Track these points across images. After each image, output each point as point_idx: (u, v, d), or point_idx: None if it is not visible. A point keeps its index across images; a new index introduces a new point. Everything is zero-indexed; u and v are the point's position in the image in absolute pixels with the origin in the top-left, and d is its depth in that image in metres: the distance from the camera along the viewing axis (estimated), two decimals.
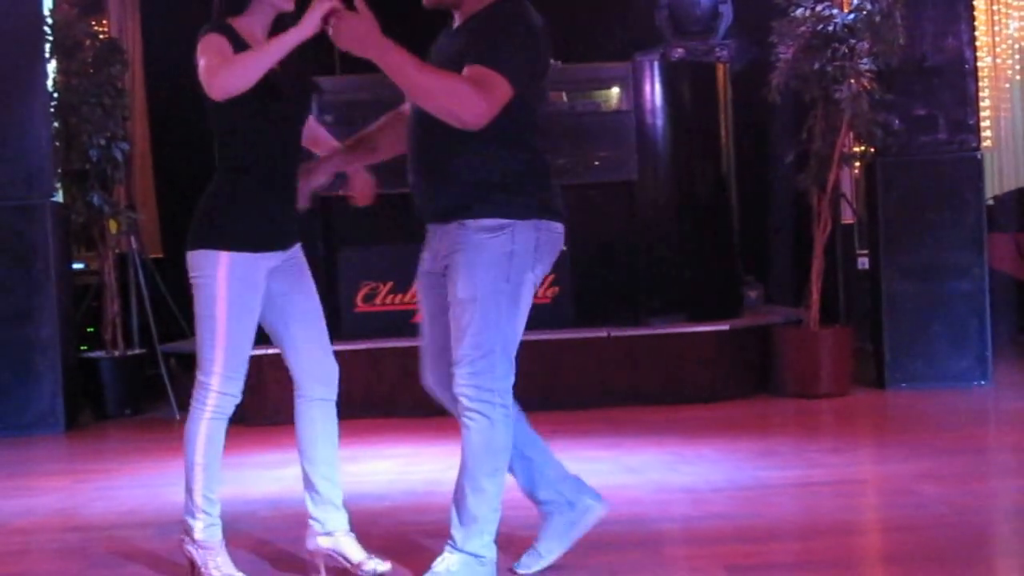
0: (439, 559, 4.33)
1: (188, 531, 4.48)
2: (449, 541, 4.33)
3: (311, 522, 4.56)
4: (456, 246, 4.24)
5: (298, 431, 4.62)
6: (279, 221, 4.45)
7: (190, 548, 4.47)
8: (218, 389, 4.45)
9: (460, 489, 4.30)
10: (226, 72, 4.11)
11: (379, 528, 5.26)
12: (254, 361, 8.38)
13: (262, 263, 4.39)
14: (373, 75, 4.16)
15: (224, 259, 4.34)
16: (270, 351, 8.26)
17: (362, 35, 4.00)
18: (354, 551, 4.51)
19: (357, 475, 6.49)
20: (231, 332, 4.41)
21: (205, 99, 4.26)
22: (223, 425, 4.51)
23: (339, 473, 4.58)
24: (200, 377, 4.48)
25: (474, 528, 4.28)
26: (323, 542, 4.55)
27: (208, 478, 4.49)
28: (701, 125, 8.73)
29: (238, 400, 4.52)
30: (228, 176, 4.40)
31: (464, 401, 4.23)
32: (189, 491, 4.50)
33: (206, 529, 4.46)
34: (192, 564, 4.46)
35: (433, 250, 4.39)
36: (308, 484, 4.57)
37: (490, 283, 4.22)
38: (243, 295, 4.37)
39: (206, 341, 4.45)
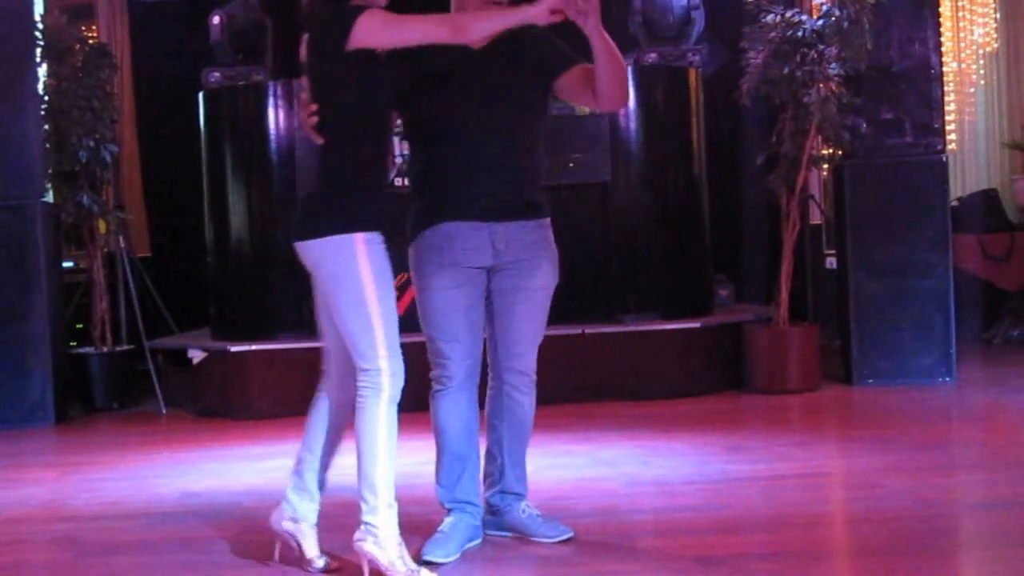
0: (523, 507, 4.88)
1: (370, 531, 4.34)
2: (521, 495, 4.91)
3: (283, 503, 4.62)
4: (540, 243, 4.81)
5: (311, 419, 4.67)
6: (383, 202, 4.45)
7: (370, 548, 4.33)
8: (390, 372, 4.30)
9: (519, 449, 4.91)
10: (474, 23, 4.35)
11: (356, 520, 5.39)
12: (239, 357, 8.61)
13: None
14: None
15: (360, 239, 4.28)
16: (255, 347, 8.51)
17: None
18: (311, 546, 4.58)
19: (338, 468, 6.41)
20: (385, 311, 4.30)
21: (350, 88, 4.37)
22: (396, 410, 4.37)
23: (329, 472, 4.67)
24: (365, 366, 4.30)
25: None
26: (287, 525, 4.61)
27: (392, 467, 4.36)
28: (674, 128, 8.75)
29: (403, 382, 4.38)
30: (347, 159, 4.37)
31: (532, 375, 4.84)
32: (372, 486, 4.32)
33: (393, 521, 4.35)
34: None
35: (495, 246, 4.67)
36: (296, 469, 4.63)
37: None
38: (384, 272, 4.33)
39: (362, 329, 4.29)
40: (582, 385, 8.32)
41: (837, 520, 5.44)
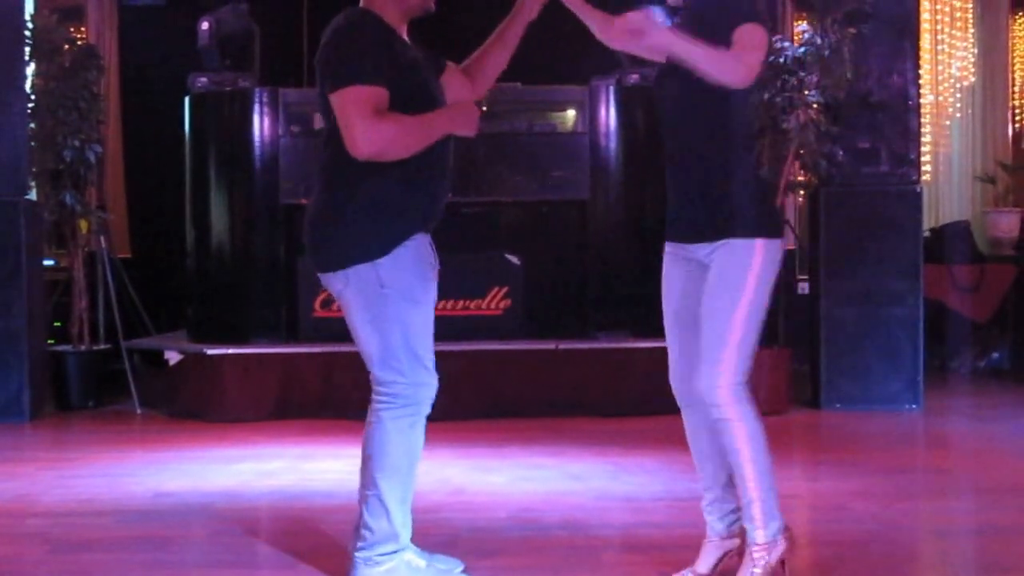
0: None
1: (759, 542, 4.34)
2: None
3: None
4: None
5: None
6: None
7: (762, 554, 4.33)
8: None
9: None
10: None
11: (329, 525, 5.43)
12: (215, 360, 8.65)
13: None
14: None
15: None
16: (231, 350, 8.56)
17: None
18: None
19: (309, 473, 6.68)
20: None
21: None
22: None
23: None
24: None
25: None
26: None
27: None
28: (652, 148, 8.45)
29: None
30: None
31: None
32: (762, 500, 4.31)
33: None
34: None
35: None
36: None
37: None
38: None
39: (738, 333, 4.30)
40: (554, 400, 8.35)
41: (803, 542, 5.36)
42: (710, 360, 4.28)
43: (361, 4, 4.46)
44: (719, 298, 4.28)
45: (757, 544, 4.31)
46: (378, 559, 4.41)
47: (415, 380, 4.39)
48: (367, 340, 4.40)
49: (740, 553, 4.48)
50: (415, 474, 4.48)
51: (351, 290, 4.38)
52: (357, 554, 4.43)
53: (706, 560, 4.55)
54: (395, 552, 4.42)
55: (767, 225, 4.31)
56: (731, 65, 4.09)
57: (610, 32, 4.19)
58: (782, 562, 4.34)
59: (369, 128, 4.19)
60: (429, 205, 4.43)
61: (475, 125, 4.41)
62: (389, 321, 4.34)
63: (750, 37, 4.16)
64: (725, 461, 4.43)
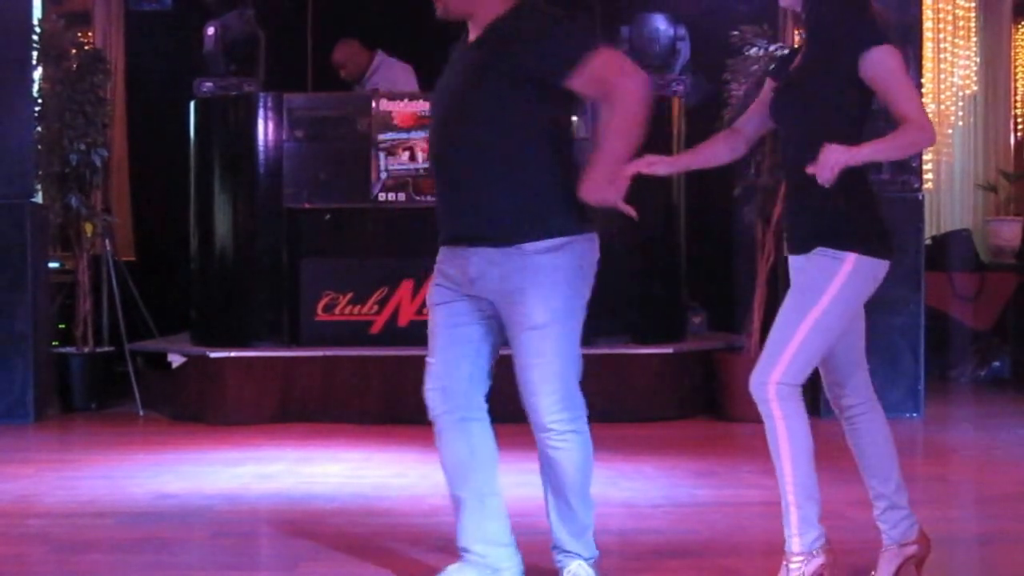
0: (573, 567, 4.43)
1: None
2: (574, 555, 4.45)
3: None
4: (515, 273, 4.28)
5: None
6: None
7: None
8: None
9: (562, 505, 4.49)
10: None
11: (328, 527, 5.46)
12: (217, 363, 8.69)
13: None
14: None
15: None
16: (233, 354, 8.59)
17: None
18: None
19: (310, 476, 6.71)
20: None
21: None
22: None
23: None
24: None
25: (589, 535, 4.47)
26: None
27: None
28: (655, 154, 8.76)
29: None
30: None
31: (552, 428, 4.62)
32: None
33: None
34: None
35: (467, 273, 4.33)
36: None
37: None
38: None
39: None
40: None
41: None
42: (768, 358, 4.27)
43: None
44: (793, 301, 4.29)
45: (793, 553, 4.30)
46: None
47: None
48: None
49: (919, 563, 4.52)
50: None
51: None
52: None
53: (885, 569, 4.53)
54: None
55: (864, 240, 4.27)
56: (918, 137, 4.26)
57: (824, 178, 4.06)
58: None
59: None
60: None
61: (596, 196, 4.38)
62: None
63: (896, 73, 4.25)
64: (892, 467, 4.58)
